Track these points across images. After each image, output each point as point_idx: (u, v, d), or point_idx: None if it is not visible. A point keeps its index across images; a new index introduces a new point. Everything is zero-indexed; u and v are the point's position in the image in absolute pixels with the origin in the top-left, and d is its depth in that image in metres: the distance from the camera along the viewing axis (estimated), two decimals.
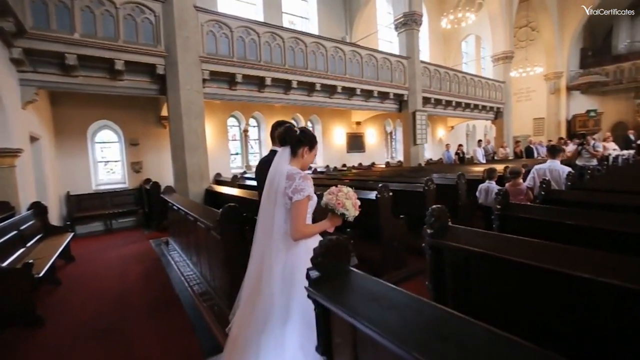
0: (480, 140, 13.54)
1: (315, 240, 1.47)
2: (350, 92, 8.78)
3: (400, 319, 0.90)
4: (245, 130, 9.70)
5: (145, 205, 7.58)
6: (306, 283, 1.25)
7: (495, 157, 12.78)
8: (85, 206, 7.21)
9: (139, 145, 8.03)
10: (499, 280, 1.49)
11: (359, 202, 1.76)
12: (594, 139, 9.03)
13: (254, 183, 7.01)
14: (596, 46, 18.19)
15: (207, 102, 6.60)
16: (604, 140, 11.05)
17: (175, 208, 4.65)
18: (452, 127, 16.32)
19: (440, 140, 15.60)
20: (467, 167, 9.31)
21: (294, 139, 1.80)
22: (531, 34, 17.69)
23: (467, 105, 12.61)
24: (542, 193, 2.80)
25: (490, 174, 4.12)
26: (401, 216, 3.80)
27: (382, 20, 14.07)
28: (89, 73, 5.30)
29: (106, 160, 8.06)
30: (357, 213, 1.74)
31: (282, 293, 1.62)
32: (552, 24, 16.54)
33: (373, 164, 12.44)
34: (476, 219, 4.45)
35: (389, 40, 14.06)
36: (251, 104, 8.99)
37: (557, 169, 3.91)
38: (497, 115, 14.29)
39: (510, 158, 12.57)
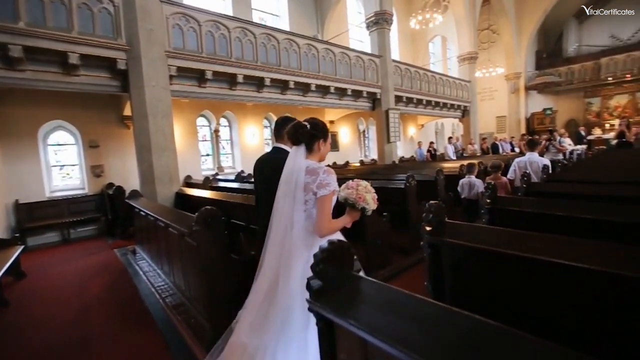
0: (450, 138, 13.99)
1: (335, 237, 1.42)
2: (324, 91, 8.68)
3: (425, 332, 0.77)
4: (216, 131, 9.31)
5: (108, 211, 7.02)
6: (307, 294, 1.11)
7: (464, 154, 13.25)
8: (37, 215, 6.53)
9: (100, 148, 7.42)
10: (505, 277, 1.42)
11: (376, 196, 1.72)
12: (560, 135, 9.57)
13: (229, 185, 6.77)
14: (550, 49, 19.46)
15: (175, 100, 6.22)
16: (559, 136, 11.84)
17: (143, 213, 4.29)
18: (422, 125, 16.74)
19: (411, 138, 15.95)
20: (439, 163, 9.53)
21: (307, 135, 1.73)
22: (492, 36, 18.58)
23: (437, 104, 12.96)
24: (524, 186, 2.85)
25: (470, 169, 4.19)
26: (384, 214, 3.73)
27: (352, 20, 14.14)
28: (38, 67, 4.77)
29: (61, 164, 7.36)
30: (375, 207, 1.70)
31: (303, 294, 1.47)
32: (511, 27, 17.45)
33: (347, 162, 12.44)
34: (456, 213, 4.50)
35: (359, 40, 14.15)
36: (222, 103, 8.64)
37: (536, 160, 4.08)
38: (464, 113, 14.84)
39: (478, 154, 13.09)
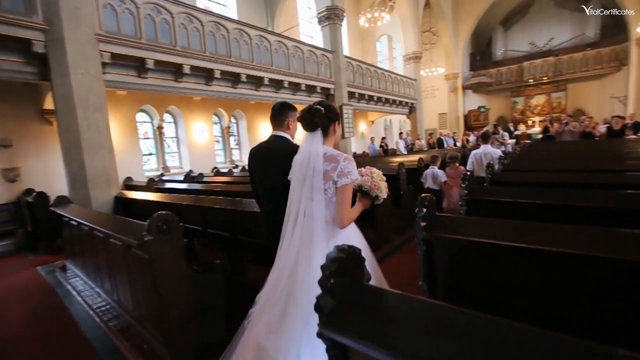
0: (401, 133, 14.53)
1: (352, 227, 1.48)
2: (277, 85, 8.37)
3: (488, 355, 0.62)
4: (160, 127, 8.47)
5: (27, 222, 5.95)
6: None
7: (413, 149, 13.88)
8: None
9: (13, 148, 6.25)
10: (506, 270, 1.35)
11: (387, 184, 1.74)
12: (502, 129, 10.48)
13: (178, 185, 6.16)
14: (481, 52, 21.29)
15: (110, 92, 5.47)
16: (502, 130, 13.05)
17: (74, 223, 3.65)
18: (373, 122, 17.19)
19: (362, 134, 16.28)
20: (391, 158, 9.80)
21: (325, 119, 1.65)
22: (433, 38, 19.73)
23: (387, 100, 13.37)
24: (490, 176, 2.94)
25: (434, 160, 4.32)
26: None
27: (302, 15, 13.93)
28: None
29: None
30: (386, 195, 1.71)
31: None
32: (449, 31, 18.68)
33: None
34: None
35: (310, 35, 14.01)
36: (166, 96, 7.87)
37: (490, 152, 4.35)
38: (411, 110, 15.55)
39: (425, 149, 13.81)
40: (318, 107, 1.67)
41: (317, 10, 9.97)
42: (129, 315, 2.81)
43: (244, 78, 7.28)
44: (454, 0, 18.58)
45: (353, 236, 1.68)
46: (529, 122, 18.35)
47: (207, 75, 6.70)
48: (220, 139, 10.20)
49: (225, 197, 3.90)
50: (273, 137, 2.04)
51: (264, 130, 11.33)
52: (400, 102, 14.34)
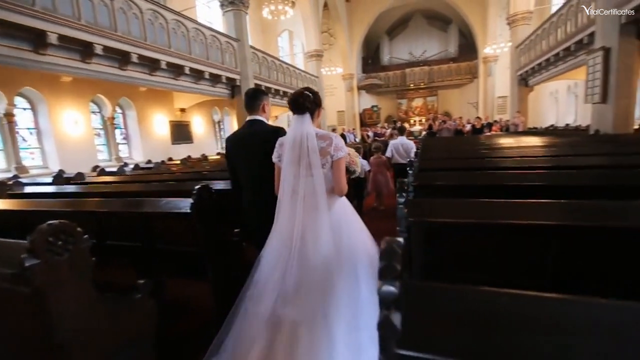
0: None
1: (343, 197, 1.80)
2: (177, 70, 7.38)
3: None
4: (10, 115, 6.39)
5: None
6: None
7: None
8: None
9: None
10: (500, 250, 1.38)
11: None
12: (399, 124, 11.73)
13: (46, 189, 4.70)
14: (371, 56, 23.53)
15: None
16: (382, 128, 14.66)
17: None
18: (277, 117, 17.04)
19: None
20: None
21: (313, 104, 1.82)
22: (330, 39, 20.75)
23: None
24: (417, 163, 3.16)
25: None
26: None
27: None
28: None
29: None
30: (360, 171, 2.06)
31: (338, 253, 1.66)
32: (344, 34, 19.94)
33: (205, 156, 11.22)
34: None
35: (208, 21, 12.85)
36: (19, 74, 5.99)
37: (406, 143, 4.96)
38: None
39: None
40: (307, 93, 1.81)
41: None
42: None
43: (134, 58, 6.12)
44: (348, 7, 19.88)
45: (346, 204, 1.88)
46: (412, 121, 21.22)
47: (82, 50, 5.36)
48: (101, 132, 8.41)
49: (126, 199, 3.15)
50: (250, 122, 2.14)
51: (159, 122, 9.88)
52: None
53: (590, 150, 3.88)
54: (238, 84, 9.57)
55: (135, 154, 9.29)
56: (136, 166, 7.05)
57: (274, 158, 1.84)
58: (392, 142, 5.16)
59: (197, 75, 8.01)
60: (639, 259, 1.17)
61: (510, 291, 0.68)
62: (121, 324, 1.67)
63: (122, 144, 9.09)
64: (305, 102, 1.76)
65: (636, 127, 7.60)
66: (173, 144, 10.52)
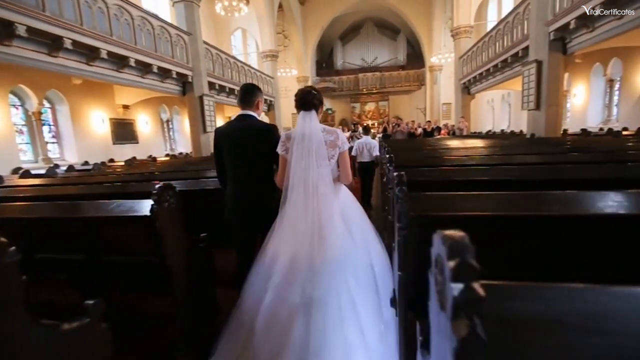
0: None
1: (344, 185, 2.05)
2: (120, 62, 6.67)
3: None
4: None
5: None
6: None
7: None
8: None
9: None
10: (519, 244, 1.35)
11: None
12: (360, 127, 11.90)
13: None
14: (325, 60, 23.84)
15: None
16: (360, 127, 15.00)
17: None
18: (230, 118, 16.39)
19: None
20: None
21: (318, 101, 1.96)
22: (285, 40, 20.58)
23: None
24: (391, 160, 3.16)
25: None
26: None
27: None
28: None
29: None
30: None
31: (350, 233, 1.86)
32: (299, 36, 19.93)
33: (153, 157, 10.32)
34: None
35: (155, 13, 11.90)
36: None
37: (370, 142, 5.23)
38: (270, 107, 15.69)
39: None
40: (314, 92, 1.99)
41: None
42: None
43: (68, 45, 5.37)
44: (303, 10, 19.91)
45: (347, 191, 2.11)
46: (365, 125, 21.86)
47: (2, 30, 4.55)
48: (24, 129, 7.27)
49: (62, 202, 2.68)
50: (242, 116, 2.18)
51: (97, 120, 8.84)
52: None
53: (530, 150, 4.27)
54: (190, 80, 8.97)
55: (69, 155, 8.21)
56: (70, 168, 6.18)
57: (280, 150, 1.95)
58: (357, 142, 5.34)
59: (144, 68, 7.32)
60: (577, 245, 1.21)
61: (611, 288, 0.60)
62: (66, 356, 1.34)
63: (52, 142, 7.96)
64: (313, 99, 1.94)
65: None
66: (115, 143, 9.51)
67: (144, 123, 10.85)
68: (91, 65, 6.13)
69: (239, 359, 1.71)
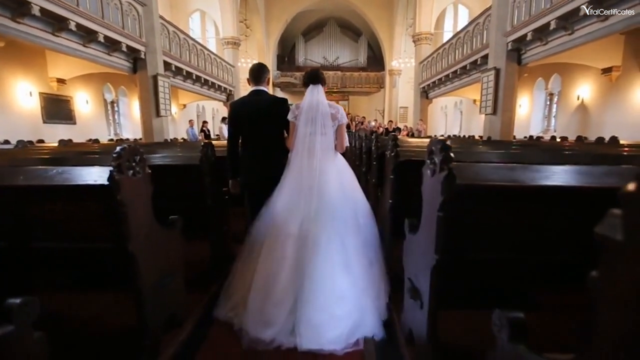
0: (225, 118, 13.59)
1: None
2: (56, 23, 5.69)
3: None
4: None
5: None
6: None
7: None
8: None
9: None
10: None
11: None
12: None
13: None
14: (286, 55, 23.42)
15: None
16: None
17: None
18: (184, 106, 15.24)
19: (172, 118, 14.09)
20: (217, 142, 8.88)
21: (323, 79, 2.33)
22: (247, 30, 19.75)
23: (206, 82, 12.13)
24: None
25: None
26: None
27: None
28: None
29: None
30: None
31: (346, 200, 2.21)
32: (262, 28, 19.25)
33: (94, 139, 9.09)
34: None
35: None
36: None
37: None
38: (229, 97, 14.87)
39: None
40: (321, 70, 2.37)
41: None
42: None
43: None
44: (266, 1, 19.27)
45: (342, 158, 2.41)
46: None
47: None
48: None
49: None
50: (256, 91, 2.45)
51: (23, 92, 7.51)
52: (219, 86, 13.40)
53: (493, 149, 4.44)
54: (142, 57, 8.04)
55: None
56: None
57: (290, 117, 2.27)
58: None
59: (87, 35, 6.35)
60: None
61: None
62: None
63: None
64: (321, 75, 2.32)
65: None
66: (45, 122, 8.18)
67: (84, 102, 9.53)
68: (19, 23, 5.12)
69: (247, 283, 2.05)
